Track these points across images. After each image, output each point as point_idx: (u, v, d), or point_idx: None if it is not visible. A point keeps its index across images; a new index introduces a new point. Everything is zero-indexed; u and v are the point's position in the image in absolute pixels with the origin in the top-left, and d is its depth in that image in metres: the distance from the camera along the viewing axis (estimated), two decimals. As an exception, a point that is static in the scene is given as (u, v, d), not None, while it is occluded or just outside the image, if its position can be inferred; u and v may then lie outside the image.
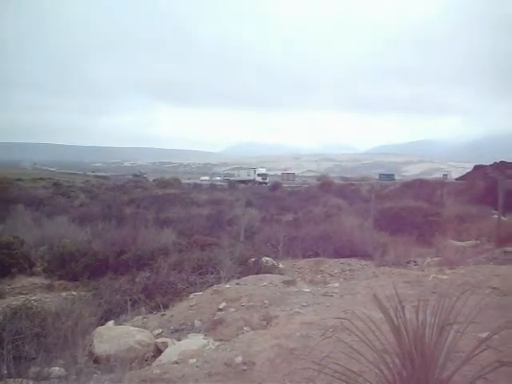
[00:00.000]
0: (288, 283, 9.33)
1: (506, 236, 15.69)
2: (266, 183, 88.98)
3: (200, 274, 11.27)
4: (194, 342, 6.48)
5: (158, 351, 6.67)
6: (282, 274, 11.46)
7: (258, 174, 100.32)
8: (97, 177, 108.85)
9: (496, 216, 18.07)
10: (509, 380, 4.18)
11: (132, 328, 7.32)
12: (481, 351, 3.85)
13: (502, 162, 67.52)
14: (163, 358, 6.14)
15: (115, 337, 6.87)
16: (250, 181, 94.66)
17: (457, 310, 3.97)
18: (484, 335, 4.06)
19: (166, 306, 9.20)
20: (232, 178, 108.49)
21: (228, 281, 10.06)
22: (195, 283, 10.70)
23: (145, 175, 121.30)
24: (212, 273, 11.24)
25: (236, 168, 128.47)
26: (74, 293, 11.23)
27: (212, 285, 9.71)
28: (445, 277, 8.98)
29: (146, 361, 6.46)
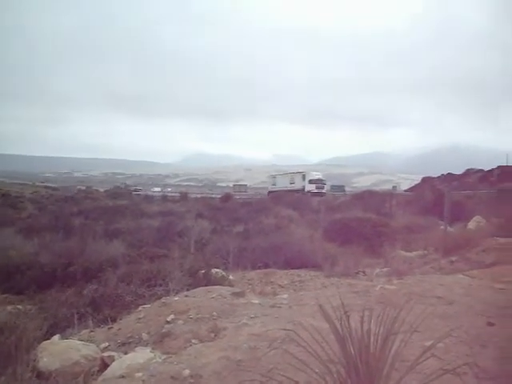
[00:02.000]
0: (237, 295, 9.29)
1: (452, 246, 16.01)
2: (322, 193, 71.38)
3: (149, 286, 11.15)
4: (140, 355, 6.37)
5: (105, 365, 6.53)
6: (232, 286, 11.43)
7: (311, 181, 76.85)
8: (46, 187, 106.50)
9: (443, 227, 18.44)
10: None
11: (78, 342, 7.15)
12: (425, 360, 3.90)
13: (449, 174, 69.09)
14: (109, 372, 6.01)
15: (60, 351, 6.70)
16: (295, 191, 69.97)
17: (402, 319, 4.01)
18: (428, 344, 4.10)
19: (113, 319, 9.03)
20: (270, 187, 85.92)
21: (177, 293, 9.95)
22: (144, 295, 10.58)
23: (137, 187, 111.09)
24: (161, 285, 11.13)
25: (273, 175, 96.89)
26: (19, 307, 10.93)
27: (161, 297, 9.60)
28: (392, 287, 9.09)
29: (92, 375, 6.32)
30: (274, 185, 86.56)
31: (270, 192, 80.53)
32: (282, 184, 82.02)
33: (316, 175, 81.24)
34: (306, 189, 73.75)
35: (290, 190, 70.64)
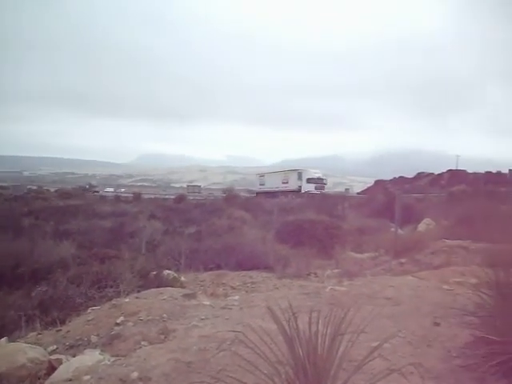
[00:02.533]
0: (188, 296, 9.27)
1: (402, 248, 16.28)
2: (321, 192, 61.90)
3: (99, 287, 11.01)
4: (89, 358, 6.29)
5: (52, 368, 6.42)
6: (184, 288, 11.39)
7: (309, 180, 69.32)
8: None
9: (393, 229, 18.73)
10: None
11: (25, 345, 7.01)
12: (371, 360, 3.96)
13: (400, 177, 70.22)
14: (56, 375, 5.92)
15: (7, 354, 6.56)
16: (289, 191, 64.26)
17: (350, 320, 4.06)
18: (376, 344, 4.17)
19: (62, 322, 8.90)
20: (258, 188, 79.46)
21: (128, 294, 9.87)
22: (94, 297, 10.45)
23: (96, 188, 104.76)
24: (112, 286, 11.01)
25: (261, 174, 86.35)
26: (-36, 309, 10.69)
27: (111, 299, 9.52)
28: (342, 288, 9.20)
29: (39, 379, 6.21)
30: (262, 185, 79.60)
31: (257, 193, 74.04)
32: (273, 184, 75.12)
33: (315, 173, 73.23)
34: (304, 189, 66.61)
35: (282, 191, 65.44)
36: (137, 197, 63.96)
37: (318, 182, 70.17)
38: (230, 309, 8.07)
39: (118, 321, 7.79)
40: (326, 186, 71.83)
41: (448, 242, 15.82)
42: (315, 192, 61.41)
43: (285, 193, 60.67)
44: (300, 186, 68.63)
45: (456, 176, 64.46)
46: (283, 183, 72.76)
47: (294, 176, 71.48)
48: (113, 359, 6.12)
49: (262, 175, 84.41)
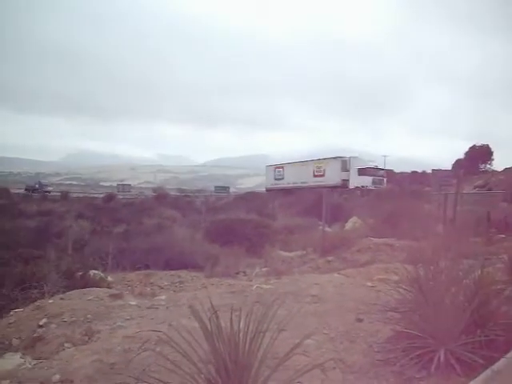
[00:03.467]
0: (115, 297, 9.14)
1: (330, 246, 16.55)
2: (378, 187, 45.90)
3: (23, 289, 10.70)
4: (9, 361, 6.13)
5: (-30, 374, 6.24)
6: (111, 288, 11.23)
7: (362, 171, 50.61)
8: None
9: (321, 227, 19.03)
10: (322, 382, 4.38)
11: None
12: (293, 356, 4.02)
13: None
14: (-26, 380, 5.75)
15: None
16: (326, 187, 37.47)
17: (273, 317, 4.10)
18: (298, 340, 4.22)
19: (-18, 325, 8.63)
20: (272, 184, 60.30)
21: (52, 296, 9.64)
22: (17, 299, 10.14)
23: (48, 187, 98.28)
24: (36, 288, 10.71)
25: (277, 165, 64.81)
26: None
27: (35, 300, 9.27)
28: (268, 286, 9.28)
29: (-45, 384, 6.02)
30: (279, 179, 59.86)
31: (269, 190, 58.52)
32: (298, 177, 55.47)
33: (369, 162, 55.85)
34: (353, 183, 49.47)
35: (314, 187, 46.66)
36: (64, 196, 62.72)
37: (375, 173, 52.15)
38: (157, 308, 8.02)
39: (41, 323, 7.60)
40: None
41: (374, 240, 16.18)
42: (372, 187, 46.44)
43: (318, 189, 38.70)
44: (346, 180, 50.39)
45: (383, 175, 65.93)
46: (316, 176, 53.44)
47: (335, 166, 52.09)
48: (34, 362, 5.98)
49: (278, 166, 62.92)
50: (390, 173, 61.69)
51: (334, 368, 4.66)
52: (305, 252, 17.75)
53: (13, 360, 6.15)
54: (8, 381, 5.22)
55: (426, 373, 4.79)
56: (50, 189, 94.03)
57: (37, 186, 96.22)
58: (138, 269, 15.33)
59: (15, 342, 7.22)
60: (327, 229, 19.42)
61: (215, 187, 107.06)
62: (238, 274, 14.62)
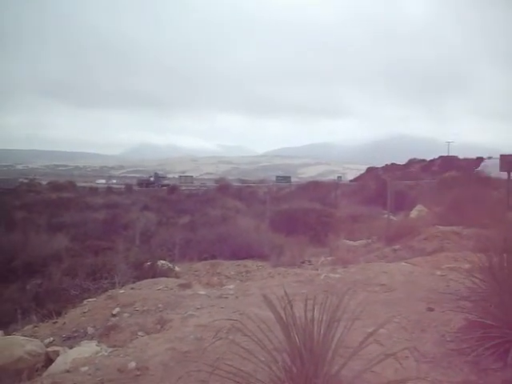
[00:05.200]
0: (183, 286, 9.29)
1: (395, 235, 16.36)
2: None
3: (94, 279, 11.06)
4: (86, 349, 6.31)
5: (50, 360, 6.44)
6: (178, 278, 11.43)
7: None
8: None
9: (386, 216, 18.82)
10: (396, 372, 4.36)
11: (21, 338, 7.02)
12: (367, 345, 4.01)
13: (392, 164, 70.24)
14: (54, 367, 5.94)
15: (3, 347, 6.57)
16: None
17: (345, 306, 4.11)
18: (371, 330, 4.21)
19: (58, 314, 8.91)
20: None
21: (123, 286, 9.88)
22: (89, 289, 10.49)
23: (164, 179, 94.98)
24: (106, 278, 11.04)
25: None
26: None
27: (106, 290, 9.54)
28: (336, 275, 9.24)
29: (37, 371, 6.22)
30: None
31: None
32: None
33: None
34: None
35: None
36: (129, 188, 63.96)
37: None
38: (226, 298, 8.10)
39: (114, 312, 7.82)
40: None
41: (440, 227, 15.87)
42: None
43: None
44: None
45: (447, 162, 64.63)
46: None
47: None
48: (110, 350, 6.14)
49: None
50: (453, 159, 60.58)
51: (407, 357, 4.61)
52: (370, 241, 17.59)
53: (89, 348, 6.32)
54: (87, 367, 5.37)
55: (502, 364, 4.68)
56: (167, 182, 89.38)
57: (151, 178, 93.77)
58: (205, 259, 15.56)
59: (90, 330, 7.45)
60: (392, 217, 19.19)
61: (276, 177, 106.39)
62: (303, 263, 14.62)
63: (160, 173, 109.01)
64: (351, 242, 17.38)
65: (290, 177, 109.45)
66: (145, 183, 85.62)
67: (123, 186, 72.57)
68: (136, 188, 72.52)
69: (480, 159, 63.56)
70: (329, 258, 14.62)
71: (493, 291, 5.42)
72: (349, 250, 15.08)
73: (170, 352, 5.44)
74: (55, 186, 66.74)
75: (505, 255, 5.61)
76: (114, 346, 6.38)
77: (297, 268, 12.86)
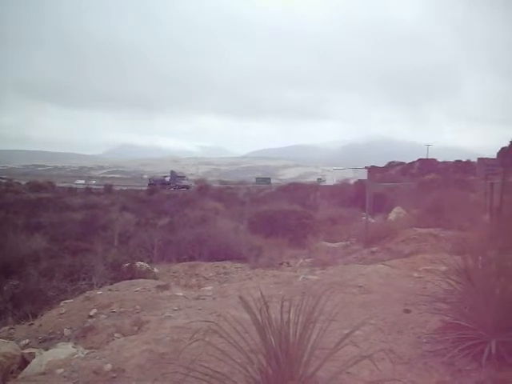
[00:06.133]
0: (161, 288, 9.25)
1: (373, 237, 16.45)
2: None
3: (72, 280, 10.96)
4: (62, 351, 6.26)
5: (25, 362, 6.38)
6: (157, 279, 11.36)
7: None
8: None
9: (364, 218, 18.92)
10: (371, 373, 4.39)
11: (-4, 339, 6.97)
12: (343, 347, 4.03)
13: (372, 167, 70.70)
14: (29, 369, 5.88)
15: (-22, 349, 6.52)
16: None
17: (321, 308, 4.13)
18: (347, 331, 4.24)
19: (35, 315, 8.83)
20: None
21: (100, 287, 9.84)
22: (66, 290, 10.40)
23: (186, 181, 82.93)
24: (84, 279, 10.97)
25: None
26: None
27: (84, 291, 9.47)
28: (314, 277, 9.27)
29: (12, 373, 6.16)
30: None
31: None
32: None
33: None
34: None
35: None
36: (108, 189, 63.59)
37: None
38: (204, 299, 8.11)
39: (91, 313, 7.77)
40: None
41: (418, 230, 15.99)
42: None
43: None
44: None
45: (426, 165, 65.22)
46: None
47: None
48: (86, 352, 6.10)
49: None
50: (432, 162, 61.15)
51: (383, 359, 4.65)
52: (348, 243, 17.68)
53: (65, 350, 6.27)
54: (62, 369, 5.34)
55: (476, 364, 4.74)
56: (187, 183, 79.47)
57: (167, 179, 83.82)
58: (183, 260, 15.54)
59: (67, 331, 7.40)
60: (370, 219, 19.29)
61: (256, 179, 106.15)
62: (281, 264, 14.68)
63: (178, 172, 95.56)
64: (330, 244, 17.44)
65: (269, 178, 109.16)
66: (158, 184, 76.60)
67: (103, 187, 71.90)
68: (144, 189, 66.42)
69: (458, 162, 64.20)
70: (307, 260, 14.68)
71: (468, 293, 5.48)
72: (327, 252, 15.13)
73: (147, 354, 5.42)
74: (34, 186, 66.16)
75: (480, 257, 5.67)
76: (91, 348, 6.34)
77: (275, 270, 12.90)
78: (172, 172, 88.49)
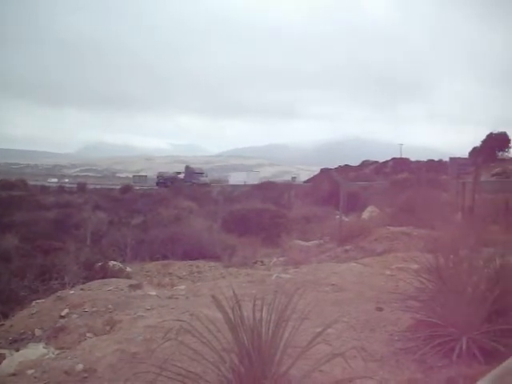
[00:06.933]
0: (134, 287, 9.19)
1: (347, 235, 16.53)
2: None
3: (43, 280, 10.84)
4: (33, 351, 6.19)
5: (-5, 364, 6.31)
6: (130, 278, 11.30)
7: None
8: None
9: (338, 217, 18.99)
10: (344, 371, 4.40)
11: (-34, 341, 6.88)
12: (315, 345, 4.04)
13: (345, 166, 71.06)
14: (0, 370, 5.83)
15: None
16: None
17: (294, 306, 4.13)
18: (319, 330, 4.24)
19: (5, 316, 8.71)
20: None
21: (73, 286, 9.73)
22: (38, 290, 10.28)
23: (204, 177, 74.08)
24: (56, 279, 10.85)
25: None
26: None
27: (56, 291, 9.35)
28: (288, 276, 9.30)
29: (-18, 375, 6.09)
30: None
31: None
32: None
33: None
34: None
35: None
36: (81, 187, 63.01)
37: None
38: (177, 298, 8.07)
39: (63, 313, 7.68)
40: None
41: (391, 228, 16.11)
42: None
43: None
44: None
45: (399, 164, 65.74)
46: None
47: None
48: (57, 352, 6.04)
49: None
50: (405, 161, 61.67)
51: (355, 357, 4.67)
52: (322, 241, 17.75)
53: (36, 350, 6.21)
54: (33, 370, 5.28)
55: (447, 361, 4.79)
56: (206, 179, 71.89)
57: (181, 175, 74.42)
58: (157, 259, 15.47)
59: (38, 332, 7.30)
60: (344, 218, 19.39)
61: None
62: (255, 263, 14.70)
63: (196, 167, 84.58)
64: (304, 243, 17.49)
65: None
66: (169, 182, 68.63)
67: (76, 185, 71.00)
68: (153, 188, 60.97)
69: (431, 161, 64.77)
70: (281, 259, 14.73)
71: (439, 291, 5.54)
72: (301, 251, 15.18)
73: (119, 353, 5.37)
74: (6, 184, 65.28)
75: (452, 256, 5.73)
76: (62, 348, 6.28)
77: (249, 268, 12.92)
78: (187, 167, 77.83)
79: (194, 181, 66.78)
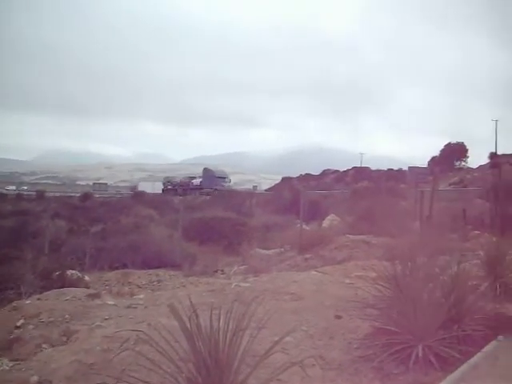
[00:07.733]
0: (92, 296, 9.08)
1: (307, 244, 16.61)
2: None
3: (-1, 290, 10.66)
4: (-15, 364, 6.06)
5: None
6: (88, 287, 11.18)
7: None
8: None
9: (299, 225, 19.09)
10: (302, 379, 4.41)
11: None
12: (273, 354, 4.03)
13: (307, 174, 71.42)
14: (-49, 383, 5.68)
15: None
16: None
17: (252, 315, 4.12)
18: (277, 338, 4.24)
19: (-43, 327, 8.52)
20: None
21: (29, 296, 9.55)
22: (-8, 301, 10.08)
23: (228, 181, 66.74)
24: (12, 288, 10.67)
25: None
26: None
27: (11, 301, 9.18)
28: (247, 284, 9.30)
29: None
30: None
31: None
32: None
33: None
34: None
35: None
36: (40, 195, 62.05)
37: None
38: (135, 308, 7.98)
39: (18, 324, 7.53)
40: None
41: (351, 237, 16.28)
42: None
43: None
44: None
45: (360, 173, 66.51)
46: None
47: None
48: (11, 364, 5.91)
49: None
50: (365, 170, 62.38)
51: (314, 365, 4.69)
52: (283, 250, 17.81)
53: (-11, 362, 6.08)
54: (-15, 383, 5.17)
55: (404, 368, 4.85)
56: (229, 182, 64.29)
57: (195, 181, 64.89)
58: (116, 268, 15.33)
59: (-9, 344, 7.15)
60: (305, 226, 19.48)
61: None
62: (216, 272, 14.67)
63: (217, 170, 71.65)
64: (264, 251, 17.54)
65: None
66: (180, 189, 60.10)
67: (34, 193, 69.84)
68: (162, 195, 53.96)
69: (390, 170, 65.65)
70: (242, 267, 14.73)
71: (396, 299, 5.60)
72: (262, 259, 15.23)
73: (75, 364, 5.29)
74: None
75: (409, 264, 5.80)
76: (17, 360, 6.14)
77: (209, 277, 12.88)
78: (206, 170, 67.84)
79: (215, 187, 58.15)
